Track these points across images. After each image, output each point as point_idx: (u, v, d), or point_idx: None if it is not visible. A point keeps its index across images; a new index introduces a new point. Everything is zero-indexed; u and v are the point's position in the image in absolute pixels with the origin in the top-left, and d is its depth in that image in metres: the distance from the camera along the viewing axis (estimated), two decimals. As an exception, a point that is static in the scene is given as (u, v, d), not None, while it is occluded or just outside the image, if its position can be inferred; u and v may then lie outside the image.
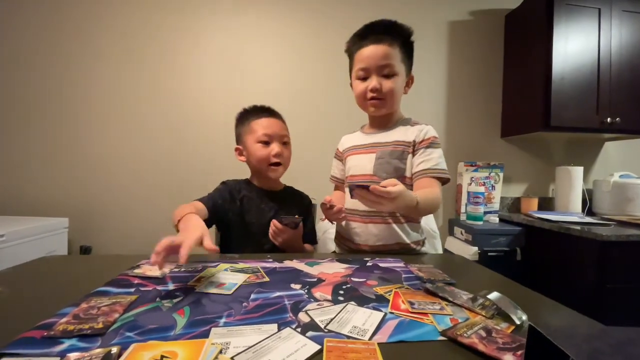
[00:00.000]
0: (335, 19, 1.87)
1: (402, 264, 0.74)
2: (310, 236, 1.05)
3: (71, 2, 1.72)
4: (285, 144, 0.99)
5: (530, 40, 1.81)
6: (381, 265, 0.74)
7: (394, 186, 0.68)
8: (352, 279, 0.64)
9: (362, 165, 0.93)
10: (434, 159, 0.87)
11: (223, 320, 0.45)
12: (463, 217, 1.82)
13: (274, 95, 1.84)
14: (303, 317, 0.47)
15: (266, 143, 0.95)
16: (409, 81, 0.94)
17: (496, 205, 1.87)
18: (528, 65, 1.82)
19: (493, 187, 1.87)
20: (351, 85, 0.97)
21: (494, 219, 1.81)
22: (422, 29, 1.94)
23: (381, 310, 0.49)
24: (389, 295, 0.55)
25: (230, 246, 0.97)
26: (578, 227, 1.44)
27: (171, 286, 0.58)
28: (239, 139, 1.03)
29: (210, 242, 0.60)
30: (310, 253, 0.99)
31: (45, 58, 1.71)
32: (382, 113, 0.92)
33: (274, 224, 0.86)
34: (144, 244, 1.77)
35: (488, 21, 1.98)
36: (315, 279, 0.63)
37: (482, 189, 1.77)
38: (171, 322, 0.45)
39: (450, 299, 0.53)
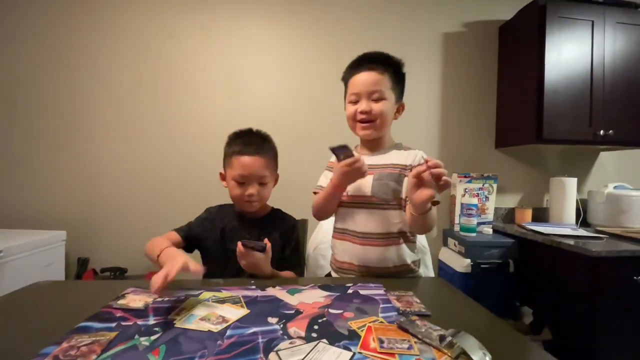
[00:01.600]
0: (333, 32, 1.89)
1: (382, 291, 0.76)
2: (292, 261, 1.03)
3: (69, 12, 1.75)
4: (263, 184, 0.98)
5: (523, 52, 1.81)
6: (362, 292, 0.76)
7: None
8: (329, 310, 0.66)
9: (358, 185, 0.93)
10: None
11: (195, 361, 0.47)
12: (457, 229, 1.83)
13: (271, 105, 1.87)
14: (273, 358, 0.48)
15: (242, 183, 0.96)
16: (400, 108, 0.98)
17: (490, 216, 1.87)
18: (521, 77, 1.82)
19: (487, 198, 1.87)
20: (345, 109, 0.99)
21: (488, 230, 1.81)
22: (416, 41, 1.95)
23: (350, 350, 0.51)
24: (362, 330, 0.57)
25: (211, 270, 0.98)
26: (570, 242, 1.45)
27: (152, 320, 0.60)
28: (224, 165, 1.03)
29: (195, 265, 0.68)
30: (290, 280, 0.97)
31: (43, 72, 1.75)
32: (371, 136, 0.95)
33: (238, 246, 0.84)
34: (141, 256, 1.79)
35: (482, 33, 1.98)
36: (293, 311, 0.65)
37: (475, 200, 1.77)
38: (145, 364, 0.47)
39: (421, 337, 0.54)
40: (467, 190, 1.85)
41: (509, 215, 2.00)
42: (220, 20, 1.83)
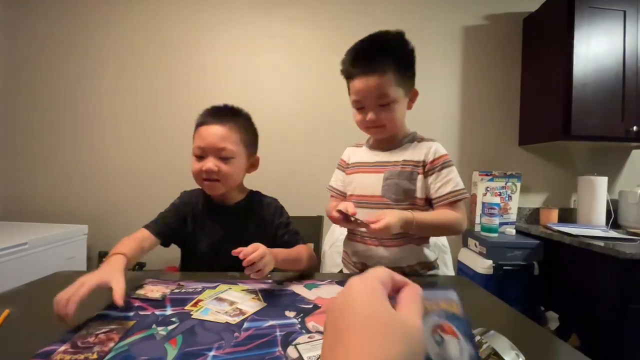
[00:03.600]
0: (346, 26, 1.86)
1: (402, 289, 0.73)
2: (294, 237, 0.89)
3: (84, 12, 1.80)
4: (225, 158, 0.82)
5: (550, 45, 1.74)
6: (381, 289, 0.73)
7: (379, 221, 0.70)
8: (348, 306, 0.63)
9: (368, 185, 0.90)
10: (452, 180, 0.83)
11: (212, 353, 0.46)
12: (477, 229, 1.76)
13: (286, 101, 1.86)
14: (292, 352, 0.47)
15: (200, 157, 0.83)
16: (412, 96, 0.88)
17: (513, 216, 1.80)
18: (547, 71, 1.74)
19: (509, 197, 1.80)
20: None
21: (511, 230, 1.74)
22: (435, 36, 1.90)
23: (372, 346, 0.48)
24: (383, 327, 0.54)
25: (186, 264, 0.93)
26: (600, 243, 1.37)
27: (169, 310, 0.59)
28: None
29: (119, 293, 0.55)
30: (308, 256, 0.86)
31: (63, 72, 1.81)
32: (384, 136, 0.90)
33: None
34: (158, 250, 1.82)
35: (505, 25, 1.91)
36: (311, 305, 0.63)
37: (497, 199, 1.71)
38: (162, 353, 0.46)
39: (446, 335, 0.51)
40: (488, 189, 1.79)
41: (533, 216, 1.92)
42: (233, 16, 1.84)
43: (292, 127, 1.85)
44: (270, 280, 0.76)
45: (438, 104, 1.91)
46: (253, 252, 0.65)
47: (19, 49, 1.80)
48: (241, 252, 0.64)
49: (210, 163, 0.81)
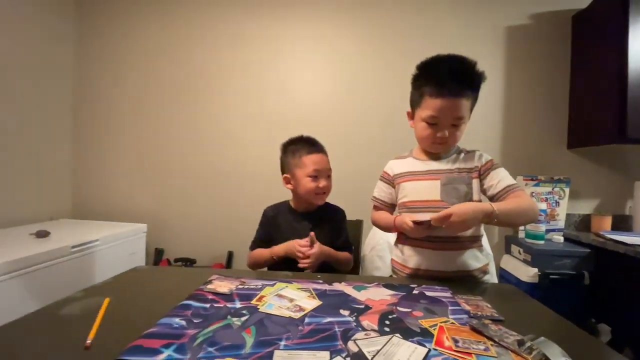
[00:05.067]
0: (388, 35, 1.90)
1: (449, 294, 0.76)
2: (345, 245, 1.14)
3: (144, 30, 1.99)
4: (329, 177, 1.11)
5: (602, 42, 1.65)
6: (427, 294, 0.76)
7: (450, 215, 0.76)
8: (398, 308, 0.68)
9: (423, 191, 0.93)
10: (507, 176, 0.91)
11: (283, 342, 0.53)
12: (521, 235, 1.71)
13: (318, 107, 1.94)
14: (352, 346, 0.52)
15: (315, 177, 1.07)
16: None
17: (561, 223, 1.73)
18: (600, 70, 1.66)
19: (557, 203, 1.74)
20: (409, 114, 0.98)
21: (558, 237, 1.68)
22: (477, 36, 1.88)
23: (425, 346, 0.53)
24: (434, 329, 0.58)
25: (278, 268, 1.07)
26: (660, 254, 1.29)
27: (238, 304, 0.68)
28: (286, 169, 1.13)
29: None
30: (347, 262, 1.12)
31: (130, 79, 2.02)
32: (442, 151, 0.96)
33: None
34: (206, 248, 1.97)
35: (551, 24, 1.84)
36: (362, 306, 0.68)
37: (544, 205, 1.66)
38: (241, 340, 0.53)
39: (496, 339, 0.54)
40: (534, 194, 1.73)
41: (583, 223, 1.83)
42: (275, 25, 1.95)
43: (330, 131, 1.91)
44: (320, 281, 0.83)
45: (480, 105, 1.85)
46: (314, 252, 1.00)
47: (86, 67, 2.04)
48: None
49: (325, 182, 1.09)
